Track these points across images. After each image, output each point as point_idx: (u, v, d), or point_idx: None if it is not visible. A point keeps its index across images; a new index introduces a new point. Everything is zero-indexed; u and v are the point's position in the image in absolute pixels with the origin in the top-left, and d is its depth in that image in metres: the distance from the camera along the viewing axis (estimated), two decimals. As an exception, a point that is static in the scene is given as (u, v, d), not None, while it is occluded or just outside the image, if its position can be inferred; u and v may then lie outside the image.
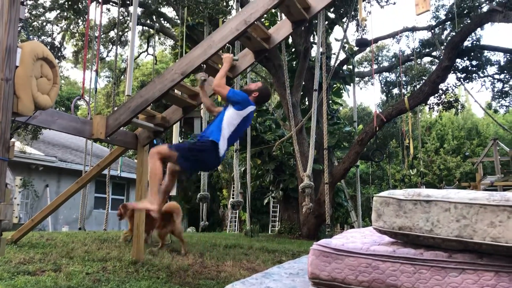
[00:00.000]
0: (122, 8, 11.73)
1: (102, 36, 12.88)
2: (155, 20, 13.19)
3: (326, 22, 11.40)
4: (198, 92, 5.23)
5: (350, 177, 18.74)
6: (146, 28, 14.56)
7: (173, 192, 8.39)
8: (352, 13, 11.11)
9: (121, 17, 11.83)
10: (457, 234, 1.89)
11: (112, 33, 13.57)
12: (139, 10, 10.35)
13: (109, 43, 13.72)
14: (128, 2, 11.28)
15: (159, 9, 11.73)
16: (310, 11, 4.57)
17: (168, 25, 13.93)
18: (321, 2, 4.56)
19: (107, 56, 14.68)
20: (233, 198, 9.28)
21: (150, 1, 10.57)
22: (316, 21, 8.90)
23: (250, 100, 3.80)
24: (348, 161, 10.87)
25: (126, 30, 13.38)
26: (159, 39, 15.89)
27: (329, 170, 8.82)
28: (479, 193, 1.98)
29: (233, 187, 13.45)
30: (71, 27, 12.49)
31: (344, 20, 12.22)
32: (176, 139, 8.46)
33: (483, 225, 1.86)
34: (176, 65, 4.56)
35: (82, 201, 10.13)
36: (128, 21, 12.66)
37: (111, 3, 12.17)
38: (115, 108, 7.02)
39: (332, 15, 12.48)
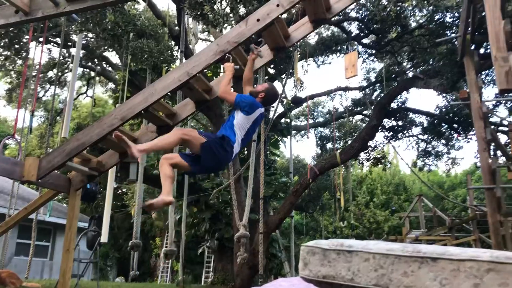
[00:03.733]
0: (63, 49, 11.59)
1: (40, 75, 12.56)
2: (97, 62, 13.11)
3: (266, 77, 11.92)
4: (136, 137, 5.25)
5: (285, 227, 18.93)
6: (87, 70, 14.40)
7: (104, 239, 8.06)
8: (291, 70, 11.72)
9: (61, 58, 11.67)
10: (375, 283, 2.03)
11: (50, 73, 13.26)
12: (81, 52, 10.28)
13: (47, 83, 13.37)
14: (70, 44, 11.19)
15: (103, 53, 11.72)
16: (250, 68, 4.83)
17: (110, 68, 13.88)
18: (260, 61, 4.85)
19: (43, 96, 14.26)
20: (166, 247, 9.08)
21: (94, 46, 10.56)
22: (257, 76, 9.31)
23: (258, 103, 3.89)
24: (283, 212, 11.07)
25: (66, 71, 13.16)
26: (100, 81, 15.71)
27: (264, 220, 8.94)
28: (395, 244, 2.16)
29: (167, 236, 13.14)
30: (6, 64, 12.10)
31: (283, 76, 12.84)
32: (111, 184, 8.26)
33: (397, 274, 2.01)
34: (116, 110, 4.59)
35: (3, 247, 9.45)
36: (68, 62, 12.49)
37: (52, 44, 12.00)
38: (49, 150, 6.82)
39: (272, 71, 13.07)
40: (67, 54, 12.29)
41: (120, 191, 20.67)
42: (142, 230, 18.70)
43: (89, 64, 13.31)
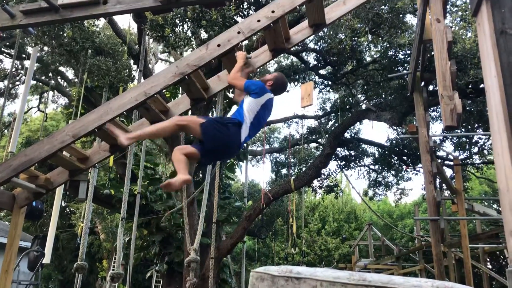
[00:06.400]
0: (16, 60, 11.22)
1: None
2: (51, 77, 12.73)
3: (225, 101, 12.00)
4: (88, 155, 5.11)
5: (237, 253, 18.77)
6: (40, 83, 13.95)
7: (47, 260, 7.70)
8: (249, 95, 11.85)
9: (14, 70, 11.28)
10: (321, 310, 2.07)
11: (0, 84, 12.76)
12: (35, 65, 9.97)
13: (-5, 94, 12.84)
14: (24, 56, 10.85)
15: (58, 68, 11.42)
16: (209, 92, 4.86)
17: (64, 83, 13.52)
18: (219, 85, 4.89)
19: (-9, 107, 13.64)
20: (113, 269, 8.77)
21: (50, 61, 10.27)
22: (215, 99, 9.35)
23: (267, 88, 3.89)
24: (236, 236, 11.02)
25: (18, 83, 12.71)
26: (53, 96, 15.25)
27: (216, 244, 8.84)
28: (342, 272, 2.22)
29: (115, 258, 12.70)
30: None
31: (241, 101, 12.93)
32: (58, 202, 7.96)
33: (343, 301, 2.07)
34: (68, 127, 4.47)
35: None
36: (21, 75, 12.07)
37: (4, 54, 11.59)
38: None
39: (231, 95, 13.17)
40: (20, 66, 11.88)
41: (67, 210, 19.89)
42: (89, 251, 18.00)
43: (43, 77, 12.91)
